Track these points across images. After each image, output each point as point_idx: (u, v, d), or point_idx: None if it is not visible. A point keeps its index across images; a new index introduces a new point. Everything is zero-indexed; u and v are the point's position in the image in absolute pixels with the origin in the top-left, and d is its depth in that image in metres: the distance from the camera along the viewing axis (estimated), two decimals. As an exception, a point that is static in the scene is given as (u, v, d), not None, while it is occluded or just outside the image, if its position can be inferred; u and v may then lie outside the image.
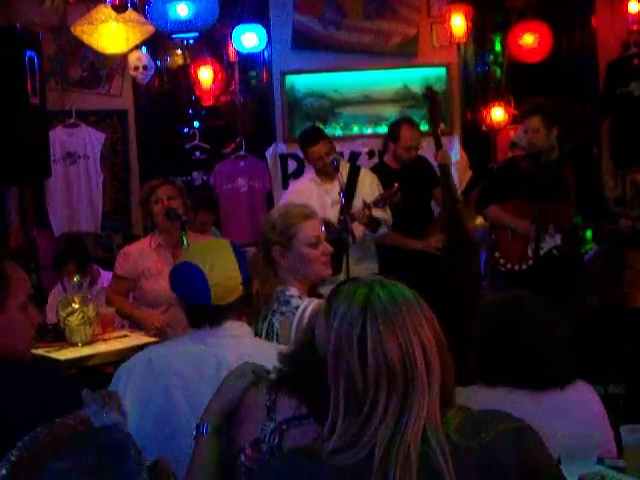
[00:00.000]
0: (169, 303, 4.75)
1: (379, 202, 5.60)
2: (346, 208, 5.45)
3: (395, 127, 6.34)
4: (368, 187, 5.92)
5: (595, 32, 7.77)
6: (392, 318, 1.75)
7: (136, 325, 5.28)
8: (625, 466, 2.61)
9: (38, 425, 1.97)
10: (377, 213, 5.67)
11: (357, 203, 5.70)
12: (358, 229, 5.66)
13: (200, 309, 2.76)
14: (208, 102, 7.78)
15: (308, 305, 3.24)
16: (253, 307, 3.31)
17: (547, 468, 1.80)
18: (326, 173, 5.86)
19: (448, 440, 1.71)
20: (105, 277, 6.14)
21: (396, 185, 5.54)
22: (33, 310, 2.62)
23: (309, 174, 6.19)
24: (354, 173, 6.06)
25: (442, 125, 6.61)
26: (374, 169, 6.33)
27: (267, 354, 2.79)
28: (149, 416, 2.70)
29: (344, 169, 5.95)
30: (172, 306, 4.68)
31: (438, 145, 6.29)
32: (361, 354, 1.74)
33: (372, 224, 5.68)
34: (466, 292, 5.93)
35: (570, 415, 2.72)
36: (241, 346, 2.77)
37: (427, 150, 6.69)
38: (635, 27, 7.49)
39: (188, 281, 2.74)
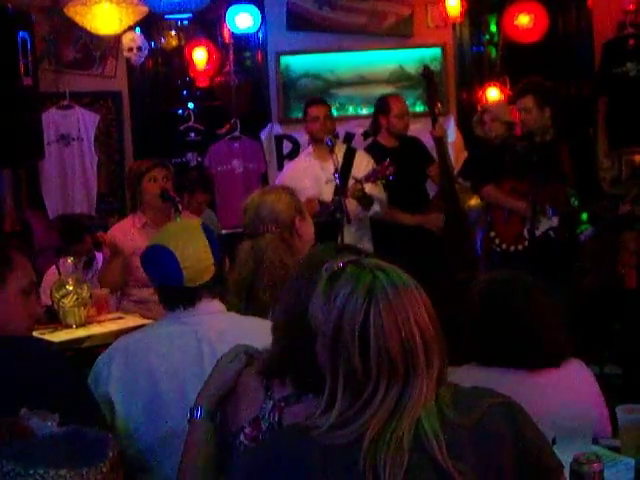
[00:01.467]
0: None
1: (370, 177, 5.57)
2: (341, 188, 5.43)
3: (383, 100, 6.35)
4: (364, 169, 5.88)
5: (591, 12, 7.73)
6: (395, 308, 1.74)
7: (129, 308, 5.24)
8: (620, 446, 2.62)
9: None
10: (371, 191, 5.65)
11: (351, 183, 5.68)
12: (352, 207, 5.62)
13: (173, 291, 2.78)
14: (202, 83, 7.75)
15: None
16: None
17: (538, 440, 1.83)
18: (320, 142, 5.83)
19: (442, 416, 1.73)
20: (100, 258, 6.11)
21: (388, 160, 5.53)
22: (35, 300, 2.61)
23: (305, 152, 6.21)
24: (350, 155, 6.03)
25: (439, 105, 6.58)
26: (368, 149, 6.30)
27: (244, 327, 2.82)
28: (136, 402, 2.71)
29: (340, 150, 5.93)
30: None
31: (434, 121, 6.27)
32: (362, 343, 1.72)
33: (364, 200, 5.66)
34: (461, 272, 5.92)
35: (565, 393, 2.72)
36: (218, 321, 2.80)
37: (422, 131, 6.67)
38: (631, 7, 7.45)
39: (160, 264, 2.76)
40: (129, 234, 5.13)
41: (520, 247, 5.61)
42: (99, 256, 6.16)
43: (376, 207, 5.84)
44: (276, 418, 2.08)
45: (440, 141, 6.27)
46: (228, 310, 2.94)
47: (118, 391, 2.70)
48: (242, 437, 2.11)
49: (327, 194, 5.64)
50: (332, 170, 5.46)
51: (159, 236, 2.89)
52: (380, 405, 1.71)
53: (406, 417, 1.71)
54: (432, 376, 1.75)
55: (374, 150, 6.21)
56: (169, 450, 2.63)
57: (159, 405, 2.70)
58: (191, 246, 2.75)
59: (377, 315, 1.72)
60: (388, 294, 1.74)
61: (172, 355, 2.72)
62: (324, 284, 1.81)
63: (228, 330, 2.75)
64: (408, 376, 1.73)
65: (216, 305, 2.85)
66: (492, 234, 5.75)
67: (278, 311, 2.22)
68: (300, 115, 6.49)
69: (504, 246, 5.68)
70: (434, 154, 6.40)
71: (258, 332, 2.76)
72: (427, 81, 6.43)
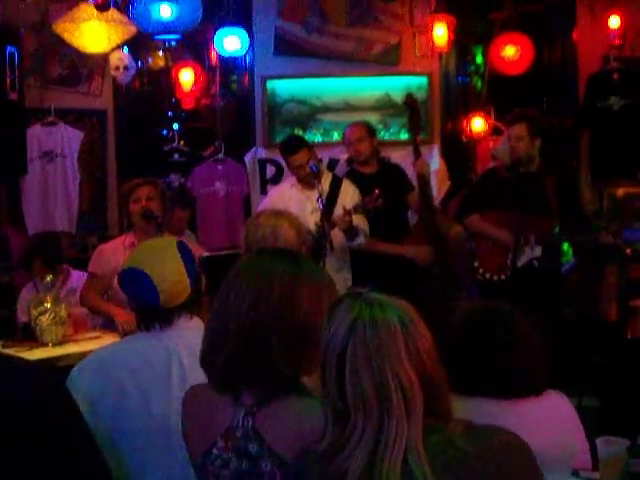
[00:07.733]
0: None
1: (359, 207, 5.57)
2: (325, 215, 5.40)
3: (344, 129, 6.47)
4: (350, 198, 5.86)
5: (576, 46, 7.80)
6: (371, 349, 1.74)
7: (108, 326, 5.21)
8: (600, 479, 2.60)
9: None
10: (356, 221, 5.63)
11: (338, 213, 5.66)
12: (337, 237, 5.59)
13: (150, 311, 2.80)
14: (188, 105, 7.75)
15: None
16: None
17: None
18: (307, 181, 5.82)
19: (451, 446, 1.72)
20: (75, 276, 6.09)
21: (377, 191, 5.51)
22: None
23: (290, 180, 6.15)
24: (336, 183, 6.02)
25: (421, 134, 6.57)
26: (347, 176, 6.26)
27: None
28: (104, 412, 2.68)
29: (326, 179, 5.93)
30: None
31: (417, 154, 6.19)
32: (339, 376, 1.76)
33: (350, 231, 5.64)
34: (443, 302, 5.87)
35: (546, 424, 2.70)
36: (190, 338, 2.76)
37: (405, 159, 6.68)
38: (616, 42, 7.52)
39: (136, 286, 2.77)
40: (117, 252, 5.12)
41: (503, 277, 5.61)
42: (75, 275, 6.14)
43: (360, 239, 5.79)
44: (250, 423, 2.12)
45: (423, 178, 6.18)
46: None
47: (84, 404, 2.67)
48: (215, 450, 2.15)
49: (312, 224, 5.60)
50: (317, 197, 5.42)
51: (134, 257, 2.89)
52: (357, 444, 1.72)
53: (388, 457, 1.69)
54: (414, 417, 1.73)
55: (352, 177, 6.20)
56: (134, 464, 2.62)
57: (126, 417, 2.68)
58: (167, 267, 2.76)
59: (353, 352, 1.75)
60: (366, 332, 1.75)
61: (141, 370, 2.71)
62: (328, 313, 1.86)
63: (198, 345, 2.74)
64: (383, 419, 1.72)
65: (192, 322, 2.85)
66: (476, 264, 5.76)
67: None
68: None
69: (487, 275, 5.69)
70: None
71: None
72: (410, 110, 6.37)
